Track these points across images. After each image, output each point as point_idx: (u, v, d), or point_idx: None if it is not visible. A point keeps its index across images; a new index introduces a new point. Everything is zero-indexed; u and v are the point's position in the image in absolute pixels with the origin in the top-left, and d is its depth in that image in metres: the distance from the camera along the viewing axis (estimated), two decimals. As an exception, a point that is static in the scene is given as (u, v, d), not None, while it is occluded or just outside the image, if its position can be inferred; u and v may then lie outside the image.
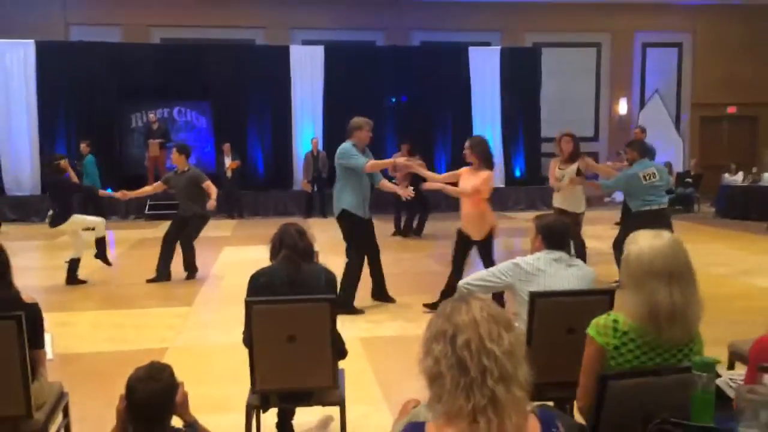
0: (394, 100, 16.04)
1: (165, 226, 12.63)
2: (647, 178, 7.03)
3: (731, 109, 18.56)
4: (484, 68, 15.92)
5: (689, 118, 18.67)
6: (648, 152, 7.71)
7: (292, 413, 3.46)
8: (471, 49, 16.01)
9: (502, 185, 15.97)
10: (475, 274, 3.42)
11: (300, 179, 14.79)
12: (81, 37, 15.85)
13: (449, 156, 15.95)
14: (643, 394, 2.01)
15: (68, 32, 16.15)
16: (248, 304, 2.89)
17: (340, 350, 3.12)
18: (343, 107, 15.27)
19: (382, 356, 4.89)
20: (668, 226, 7.21)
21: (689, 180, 15.46)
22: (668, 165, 15.83)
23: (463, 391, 1.46)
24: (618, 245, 7.76)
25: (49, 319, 6.13)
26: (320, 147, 14.24)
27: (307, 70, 15.29)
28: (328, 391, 3.02)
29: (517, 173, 16.34)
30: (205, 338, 5.48)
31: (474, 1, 16.78)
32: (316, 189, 14.19)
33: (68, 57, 14.77)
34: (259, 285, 3.12)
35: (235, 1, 16.26)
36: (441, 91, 15.75)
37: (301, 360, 2.92)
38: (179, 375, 2.32)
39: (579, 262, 3.34)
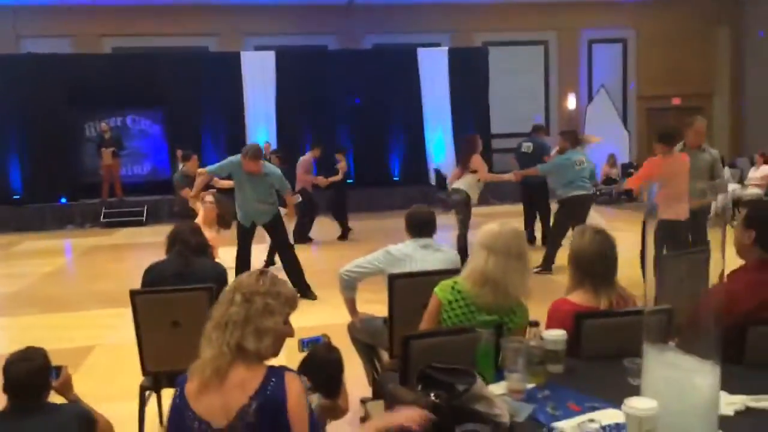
0: (358, 101, 16.24)
1: (121, 233, 13.02)
2: (578, 164, 7.69)
3: (676, 101, 19.17)
4: (433, 69, 16.30)
5: (635, 111, 19.26)
6: (579, 143, 8.39)
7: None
8: (420, 50, 16.39)
9: (455, 182, 16.39)
10: (353, 262, 3.77)
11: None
12: (32, 48, 15.95)
13: (402, 157, 16.34)
14: (440, 351, 2.37)
15: (19, 45, 16.23)
16: (132, 294, 3.20)
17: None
18: (296, 111, 15.71)
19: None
20: (587, 210, 7.74)
21: (633, 171, 15.99)
22: (612, 157, 16.50)
23: (209, 342, 1.84)
24: (550, 236, 8.30)
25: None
26: (272, 148, 14.51)
27: (258, 76, 15.55)
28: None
29: (469, 170, 16.73)
30: (136, 336, 5.76)
31: (424, 2, 17.18)
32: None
33: (19, 69, 14.87)
34: (151, 277, 3.44)
35: (188, 10, 16.46)
36: (393, 93, 16.09)
37: (185, 344, 3.20)
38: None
39: (445, 247, 3.72)
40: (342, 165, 11.45)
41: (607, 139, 17.40)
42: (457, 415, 1.87)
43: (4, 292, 7.69)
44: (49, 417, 2.50)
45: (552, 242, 8.02)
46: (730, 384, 2.22)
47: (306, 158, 10.76)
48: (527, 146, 9.94)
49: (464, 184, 8.08)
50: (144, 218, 14.28)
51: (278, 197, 7.02)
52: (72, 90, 14.97)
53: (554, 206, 8.39)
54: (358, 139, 15.79)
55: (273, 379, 1.90)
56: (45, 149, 14.93)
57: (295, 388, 1.91)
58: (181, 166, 14.43)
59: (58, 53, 15.50)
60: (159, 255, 3.64)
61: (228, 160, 6.84)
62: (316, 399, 2.49)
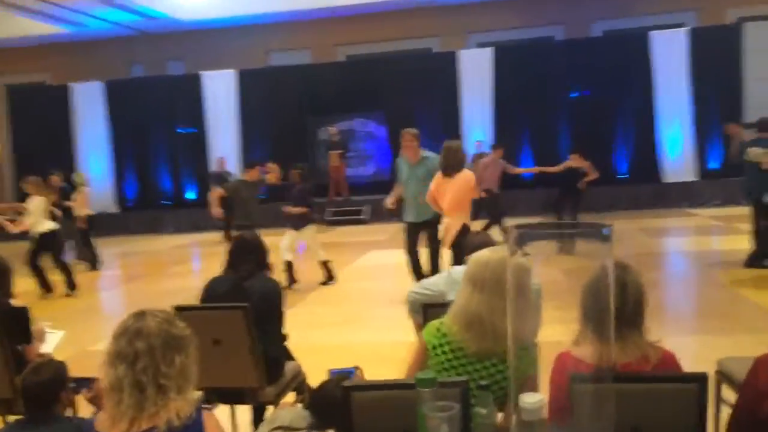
0: (583, 92, 15.33)
1: (340, 231, 13.71)
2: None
3: None
4: (669, 53, 14.62)
5: None
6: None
7: (263, 410, 3.75)
8: (652, 34, 14.82)
9: (695, 179, 14.59)
10: (421, 282, 3.47)
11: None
12: (278, 61, 17.58)
13: (630, 152, 14.97)
14: (385, 407, 2.01)
15: (268, 58, 17.96)
16: (175, 311, 3.25)
17: (274, 356, 3.35)
18: (514, 108, 15.21)
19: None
20: None
21: None
22: None
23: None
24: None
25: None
26: (484, 149, 14.26)
27: (476, 74, 15.34)
28: (257, 390, 3.27)
29: (713, 165, 14.76)
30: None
31: (665, -20, 15.57)
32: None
33: (265, 81, 16.47)
34: (207, 291, 3.48)
35: (413, 12, 16.84)
36: (621, 83, 14.83)
37: (226, 362, 3.21)
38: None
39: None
40: (572, 162, 11.11)
41: None
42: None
43: (189, 286, 8.39)
44: (51, 430, 2.61)
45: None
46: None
47: (490, 160, 10.64)
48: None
49: None
50: (366, 217, 14.93)
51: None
52: (309, 98, 16.24)
53: None
54: (580, 134, 14.77)
55: (190, 413, 1.84)
56: (283, 153, 16.28)
57: (212, 422, 1.89)
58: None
59: (297, 64, 16.86)
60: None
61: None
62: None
